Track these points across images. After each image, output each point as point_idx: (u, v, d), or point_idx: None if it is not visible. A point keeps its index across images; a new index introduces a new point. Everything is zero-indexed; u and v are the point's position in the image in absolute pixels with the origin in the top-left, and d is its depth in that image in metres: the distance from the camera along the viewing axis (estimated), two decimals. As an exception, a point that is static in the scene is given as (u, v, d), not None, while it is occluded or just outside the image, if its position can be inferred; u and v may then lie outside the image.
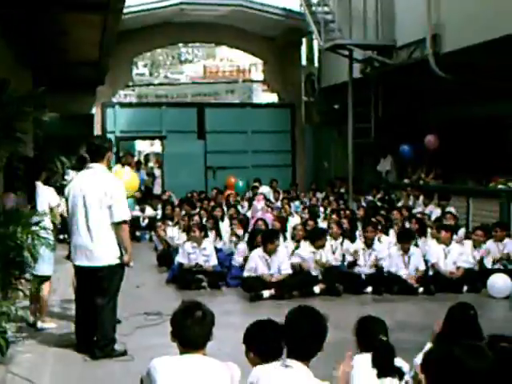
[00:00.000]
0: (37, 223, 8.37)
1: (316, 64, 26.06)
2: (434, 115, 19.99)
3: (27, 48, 14.01)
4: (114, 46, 16.67)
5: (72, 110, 21.97)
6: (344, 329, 6.61)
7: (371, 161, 22.76)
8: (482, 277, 12.53)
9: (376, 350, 5.53)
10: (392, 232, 14.68)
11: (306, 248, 12.97)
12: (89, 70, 18.37)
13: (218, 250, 14.08)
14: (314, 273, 12.66)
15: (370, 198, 20.17)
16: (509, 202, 15.75)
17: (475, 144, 18.12)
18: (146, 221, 19.58)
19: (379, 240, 13.62)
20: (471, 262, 13.13)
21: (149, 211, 19.79)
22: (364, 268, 13.02)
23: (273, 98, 30.02)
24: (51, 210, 9.70)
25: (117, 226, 8.44)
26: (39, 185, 9.83)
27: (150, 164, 28.96)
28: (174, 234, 15.66)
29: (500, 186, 16.55)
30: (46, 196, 9.83)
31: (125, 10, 13.90)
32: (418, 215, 16.01)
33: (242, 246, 13.80)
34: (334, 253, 13.17)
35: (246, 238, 14.18)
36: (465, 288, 12.51)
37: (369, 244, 13.24)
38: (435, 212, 16.63)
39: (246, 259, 12.97)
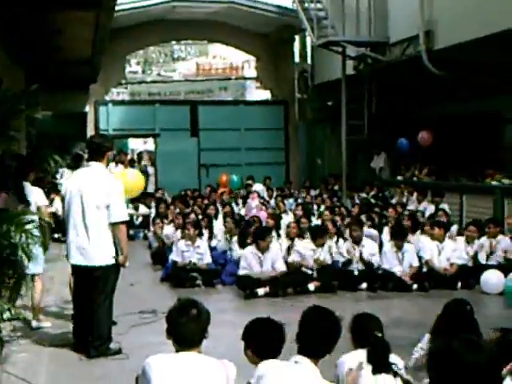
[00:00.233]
0: (30, 222, 8.33)
1: (309, 61, 26.00)
2: (427, 112, 20.01)
3: (20, 46, 13.99)
4: (107, 44, 16.64)
5: (65, 108, 21.97)
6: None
7: (365, 158, 22.79)
8: (475, 273, 12.55)
9: (371, 346, 5.54)
10: (386, 229, 14.69)
11: (305, 245, 12.98)
12: (81, 68, 18.36)
13: (212, 248, 14.10)
14: (309, 272, 12.66)
15: (363, 195, 20.17)
16: (502, 199, 15.77)
17: (468, 140, 18.14)
18: (140, 219, 19.58)
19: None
20: (465, 258, 13.15)
21: (142, 209, 19.77)
22: (356, 265, 13.01)
23: (266, 95, 29.98)
24: (38, 209, 9.65)
25: (114, 226, 8.42)
26: (27, 185, 9.74)
27: (144, 162, 28.88)
28: (168, 231, 15.65)
29: (494, 183, 16.57)
30: (33, 196, 9.74)
31: (117, 8, 13.88)
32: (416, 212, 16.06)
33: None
34: (331, 254, 13.11)
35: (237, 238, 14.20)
36: (459, 284, 12.53)
37: (356, 241, 13.23)
38: (429, 209, 16.65)
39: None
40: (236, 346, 5.26)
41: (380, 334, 5.75)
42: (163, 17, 24.04)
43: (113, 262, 8.45)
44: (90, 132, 22.87)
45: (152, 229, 16.79)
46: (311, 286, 12.30)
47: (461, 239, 13.77)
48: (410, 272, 12.73)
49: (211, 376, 4.68)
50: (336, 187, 22.12)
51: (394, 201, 18.78)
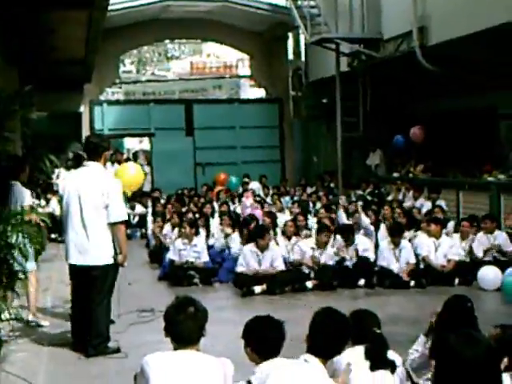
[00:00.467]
0: (28, 222, 8.32)
1: (303, 58, 26.02)
2: (422, 108, 20.04)
3: (14, 47, 13.97)
4: (100, 44, 16.64)
5: (60, 108, 21.96)
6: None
7: (360, 155, 22.80)
8: (472, 269, 12.54)
9: (369, 342, 5.54)
10: (382, 226, 14.69)
11: (306, 242, 13.01)
12: (75, 67, 18.37)
13: (209, 247, 14.10)
14: (306, 271, 12.68)
15: (359, 192, 20.17)
16: (498, 195, 15.79)
17: (464, 136, 18.16)
18: (137, 218, 19.59)
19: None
20: (462, 255, 13.15)
21: (139, 209, 19.78)
22: (350, 261, 13.00)
23: (260, 93, 30.03)
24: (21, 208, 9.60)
25: (113, 226, 8.42)
26: (17, 184, 9.65)
27: (139, 161, 28.85)
28: (166, 230, 15.65)
29: (490, 179, 16.59)
30: (18, 195, 9.66)
31: (110, 7, 13.91)
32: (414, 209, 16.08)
33: (236, 237, 13.89)
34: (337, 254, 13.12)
35: (236, 233, 14.19)
36: (456, 281, 12.53)
37: (348, 241, 13.21)
38: (426, 205, 16.65)
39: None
40: (234, 343, 5.27)
41: (378, 330, 5.76)
42: (157, 16, 24.05)
43: (112, 261, 8.46)
44: (85, 132, 22.90)
45: (151, 227, 16.76)
46: (309, 284, 12.31)
47: (457, 236, 13.79)
48: (407, 269, 12.72)
49: (209, 374, 4.67)
50: (332, 184, 22.13)
51: (390, 198, 18.77)
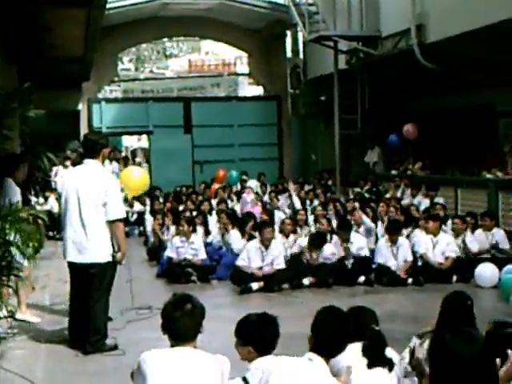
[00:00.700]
0: (25, 220, 8.32)
1: (301, 56, 25.98)
2: (420, 105, 20.04)
3: (12, 45, 13.97)
4: (99, 42, 16.62)
5: (58, 106, 21.92)
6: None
7: (358, 152, 22.81)
8: (470, 267, 12.53)
9: (367, 339, 5.54)
10: (380, 224, 14.70)
11: (305, 240, 13.04)
12: (74, 65, 18.35)
13: (207, 244, 14.12)
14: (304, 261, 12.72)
15: (357, 189, 20.17)
16: (497, 192, 15.80)
17: (462, 134, 18.17)
18: (135, 216, 19.61)
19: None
20: (458, 251, 13.15)
21: (137, 206, 19.80)
22: (349, 260, 13.02)
23: (258, 90, 29.99)
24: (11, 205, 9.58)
25: (112, 223, 8.43)
26: (7, 180, 9.62)
27: (138, 159, 28.89)
28: (165, 228, 15.66)
29: (488, 176, 16.60)
30: (7, 191, 9.63)
31: (109, 5, 13.94)
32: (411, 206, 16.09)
33: (235, 233, 13.96)
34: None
35: (234, 231, 14.20)
36: (454, 278, 12.53)
37: (344, 239, 13.23)
38: (424, 202, 16.65)
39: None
40: (231, 340, 5.26)
41: (376, 327, 5.76)
42: (155, 14, 24.04)
43: (110, 259, 8.46)
44: (84, 130, 22.84)
45: (150, 225, 16.74)
46: (306, 281, 12.32)
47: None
48: (404, 266, 12.73)
49: (206, 371, 4.68)
50: (330, 182, 22.12)
51: (388, 195, 18.78)
